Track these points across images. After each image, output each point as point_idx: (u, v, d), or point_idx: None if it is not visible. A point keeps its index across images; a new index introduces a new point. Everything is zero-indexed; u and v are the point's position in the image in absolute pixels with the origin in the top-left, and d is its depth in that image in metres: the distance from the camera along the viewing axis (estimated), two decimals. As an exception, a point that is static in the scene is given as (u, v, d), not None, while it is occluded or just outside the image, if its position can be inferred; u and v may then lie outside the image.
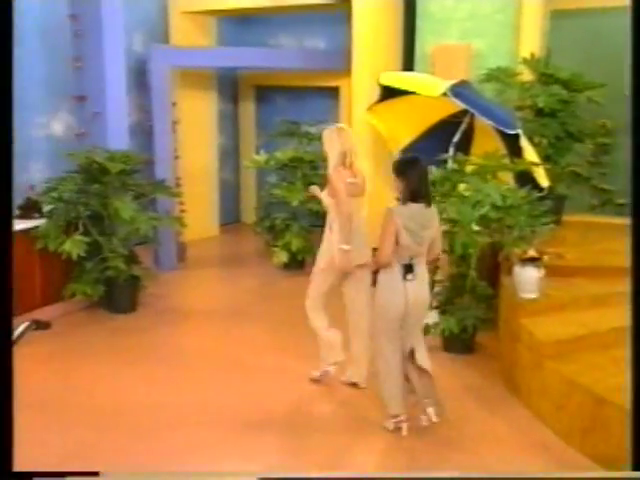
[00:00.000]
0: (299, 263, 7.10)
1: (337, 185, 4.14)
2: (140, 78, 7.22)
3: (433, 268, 5.39)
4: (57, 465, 3.43)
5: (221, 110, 8.87)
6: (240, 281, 6.86)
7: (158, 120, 6.93)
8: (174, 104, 7.24)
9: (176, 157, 7.34)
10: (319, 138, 7.20)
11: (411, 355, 3.83)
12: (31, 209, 5.36)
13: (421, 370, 3.84)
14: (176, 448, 3.67)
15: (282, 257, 6.91)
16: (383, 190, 7.10)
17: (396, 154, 6.11)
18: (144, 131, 7.25)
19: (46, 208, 5.34)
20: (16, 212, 5.33)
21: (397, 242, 3.61)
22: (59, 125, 6.56)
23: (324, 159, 7.15)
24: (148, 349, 5.03)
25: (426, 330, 5.07)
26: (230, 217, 9.32)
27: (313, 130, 7.29)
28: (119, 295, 5.70)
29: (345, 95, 7.97)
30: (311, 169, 7.08)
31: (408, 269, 3.65)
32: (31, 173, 6.29)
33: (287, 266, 7.01)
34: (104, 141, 5.92)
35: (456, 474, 3.28)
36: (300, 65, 7.74)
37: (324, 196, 4.26)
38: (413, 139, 5.96)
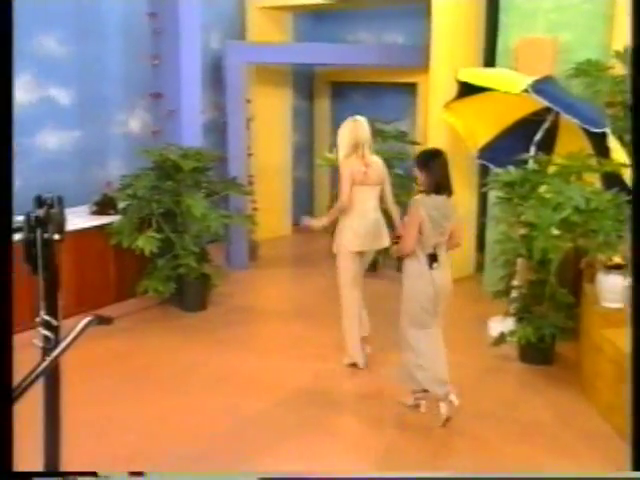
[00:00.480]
0: (371, 265, 7.09)
1: (342, 172, 4.58)
2: (216, 75, 7.43)
3: (511, 273, 5.31)
4: (112, 465, 3.60)
5: (296, 107, 9.01)
6: (311, 282, 6.95)
7: (232, 117, 7.12)
8: (248, 101, 7.42)
9: (249, 154, 7.52)
10: (394, 136, 7.31)
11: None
12: (107, 205, 5.63)
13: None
14: (248, 449, 3.78)
15: (354, 258, 6.93)
16: (460, 190, 7.04)
17: (474, 154, 6.04)
18: (218, 128, 7.47)
19: (121, 205, 5.60)
20: (93, 208, 5.62)
21: (421, 232, 3.85)
22: (136, 122, 6.86)
23: (400, 158, 7.23)
24: (219, 348, 5.19)
25: (501, 338, 5.00)
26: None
27: (388, 128, 7.29)
28: (190, 293, 5.91)
29: (423, 92, 7.93)
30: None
31: (433, 258, 3.91)
32: (109, 170, 6.62)
33: (359, 268, 7.03)
34: (178, 138, 6.15)
35: (456, 474, 3.35)
36: (378, 61, 7.76)
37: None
38: (492, 138, 5.88)
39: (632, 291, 2.37)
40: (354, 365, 4.79)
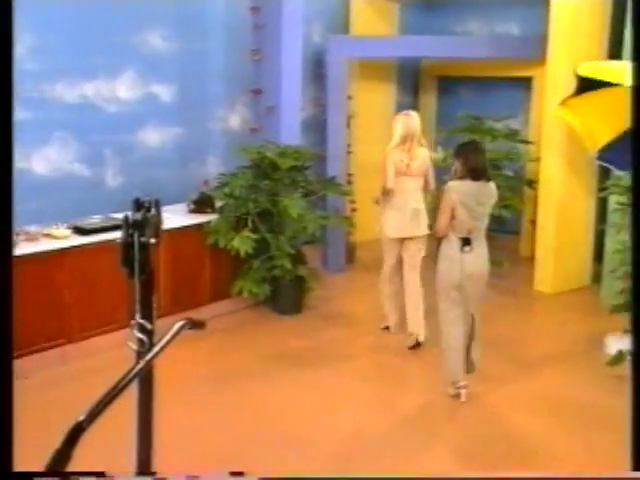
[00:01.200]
0: (497, 263, 7.01)
1: (387, 162, 5.26)
2: (317, 70, 7.53)
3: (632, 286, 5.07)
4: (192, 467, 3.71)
5: (399, 103, 8.96)
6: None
7: (333, 114, 7.20)
8: (350, 97, 7.47)
9: (349, 153, 7.57)
10: (505, 135, 7.14)
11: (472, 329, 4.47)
12: (204, 204, 5.83)
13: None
14: (334, 458, 3.82)
15: (458, 264, 6.85)
16: (577, 193, 6.80)
17: (593, 155, 5.81)
18: (318, 126, 7.56)
19: (218, 203, 5.79)
20: (190, 206, 5.84)
21: (454, 216, 4.27)
22: (236, 119, 7.07)
23: (509, 158, 7.05)
24: (312, 354, 5.26)
25: (619, 357, 4.80)
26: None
27: (499, 126, 7.14)
28: (284, 295, 6.02)
29: (538, 87, 7.70)
30: (493, 169, 6.92)
31: (465, 242, 4.31)
32: (207, 167, 6.86)
33: (463, 274, 6.94)
34: (277, 136, 6.29)
35: (456, 474, 3.46)
36: (490, 54, 7.60)
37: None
38: (614, 137, 5.61)
39: (632, 291, 2.41)
40: (387, 329, 5.65)
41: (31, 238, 4.63)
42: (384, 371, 5.08)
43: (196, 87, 6.68)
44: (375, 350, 5.42)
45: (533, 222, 7.34)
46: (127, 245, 1.82)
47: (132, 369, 1.70)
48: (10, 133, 2.09)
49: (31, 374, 4.56)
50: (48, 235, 4.73)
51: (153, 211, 1.91)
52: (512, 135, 7.17)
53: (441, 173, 8.18)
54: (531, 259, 7.22)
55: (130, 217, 1.82)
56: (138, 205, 1.87)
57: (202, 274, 5.79)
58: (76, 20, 5.61)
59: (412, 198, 5.26)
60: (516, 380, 4.84)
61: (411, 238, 5.36)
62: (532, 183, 7.32)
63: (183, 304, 5.55)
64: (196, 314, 5.70)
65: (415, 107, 9.36)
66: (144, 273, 1.84)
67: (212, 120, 6.89)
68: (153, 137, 6.46)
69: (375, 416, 4.33)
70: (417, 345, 5.31)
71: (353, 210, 7.58)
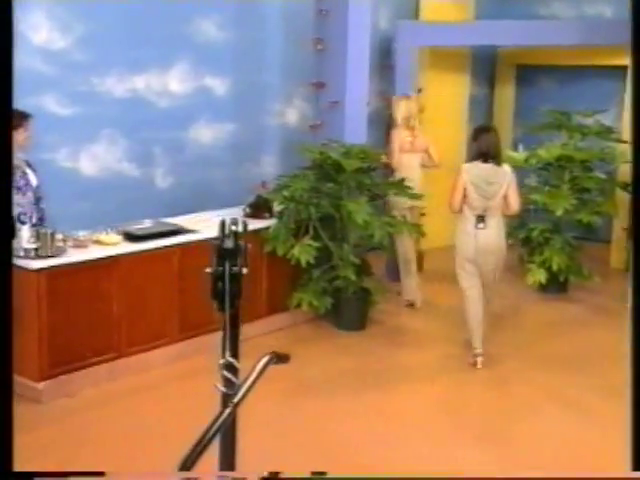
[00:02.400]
0: (560, 285, 6.88)
1: (392, 141, 6.53)
2: (383, 60, 7.47)
3: None
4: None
5: (473, 95, 8.86)
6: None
7: (401, 109, 7.13)
8: (420, 90, 7.39)
9: (418, 152, 7.49)
10: (597, 132, 6.96)
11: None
12: (261, 208, 5.84)
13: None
14: None
15: (539, 276, 6.73)
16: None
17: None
18: (382, 121, 7.50)
19: (276, 207, 5.79)
20: (246, 210, 5.86)
21: (466, 194, 5.13)
22: (293, 114, 7.08)
23: (601, 158, 6.87)
24: (377, 375, 5.21)
25: None
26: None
27: (589, 122, 6.96)
28: (347, 309, 5.99)
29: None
30: (583, 170, 6.77)
31: (480, 219, 5.13)
32: (262, 167, 6.89)
33: (545, 288, 6.84)
34: (340, 133, 6.25)
35: (457, 474, 3.53)
36: (577, 39, 7.40)
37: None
38: None
39: (632, 290, 2.57)
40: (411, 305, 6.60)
41: (80, 245, 4.71)
42: (459, 396, 5.01)
43: (251, 79, 6.72)
44: (450, 372, 5.34)
45: (626, 230, 7.14)
46: (218, 276, 1.81)
47: (221, 414, 1.67)
48: (9, 142, 2.20)
49: (77, 392, 4.63)
50: (97, 242, 4.80)
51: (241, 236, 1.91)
52: (605, 132, 6.98)
53: (521, 176, 8.02)
54: (624, 271, 7.02)
55: (221, 245, 1.81)
56: (224, 229, 1.86)
57: (258, 285, 5.79)
58: (127, 9, 5.70)
59: (416, 172, 6.59)
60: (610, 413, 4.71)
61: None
62: (627, 186, 7.12)
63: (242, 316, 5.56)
64: (251, 329, 5.70)
65: (489, 100, 9.26)
66: (234, 306, 1.83)
67: (268, 115, 6.92)
68: (205, 134, 6.51)
69: (453, 450, 4.26)
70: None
71: (422, 214, 7.49)
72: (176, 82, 6.20)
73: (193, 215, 5.83)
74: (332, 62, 6.38)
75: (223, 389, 1.88)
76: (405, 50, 7.08)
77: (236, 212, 5.97)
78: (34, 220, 4.77)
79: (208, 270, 1.86)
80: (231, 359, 1.86)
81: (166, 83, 6.14)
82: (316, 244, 5.60)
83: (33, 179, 4.94)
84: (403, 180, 6.02)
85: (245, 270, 1.85)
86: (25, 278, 4.39)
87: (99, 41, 5.62)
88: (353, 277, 5.77)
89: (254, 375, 1.85)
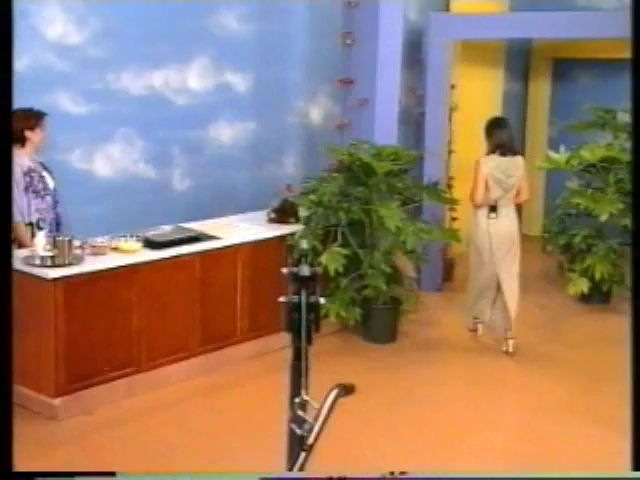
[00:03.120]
0: (604, 295, 6.80)
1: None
2: (413, 55, 7.40)
3: None
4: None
5: (507, 91, 8.79)
6: (523, 313, 6.70)
7: (432, 106, 7.08)
8: (453, 87, 7.34)
9: (450, 152, 7.42)
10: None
11: (499, 289, 5.74)
12: (287, 213, 5.78)
13: (505, 306, 5.72)
14: None
15: (581, 285, 6.64)
16: None
17: None
18: (411, 120, 7.44)
19: (303, 212, 5.73)
20: (271, 215, 5.81)
21: (487, 188, 5.49)
22: (318, 112, 7.03)
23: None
24: (411, 394, 5.14)
25: None
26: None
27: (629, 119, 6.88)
28: (377, 320, 5.93)
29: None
30: (629, 173, 6.68)
31: (492, 209, 5.54)
32: (285, 168, 6.84)
33: (587, 298, 6.75)
34: (370, 134, 6.20)
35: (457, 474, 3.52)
36: (618, 32, 7.24)
37: None
38: None
39: (632, 289, 2.73)
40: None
41: (97, 252, 4.68)
42: (493, 412, 4.96)
43: (274, 76, 6.67)
44: (484, 384, 5.30)
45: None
46: (294, 306, 1.76)
47: (298, 457, 1.62)
48: (9, 144, 2.25)
49: (95, 409, 4.60)
50: (116, 249, 4.78)
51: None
52: (650, 132, 6.89)
53: (559, 178, 7.93)
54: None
55: (297, 273, 1.76)
56: (300, 255, 1.81)
57: (282, 294, 5.74)
58: (142, 2, 5.67)
59: None
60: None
61: None
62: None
63: (262, 329, 5.52)
64: (275, 341, 5.66)
65: (525, 96, 9.18)
66: (311, 340, 1.78)
67: (291, 114, 6.87)
68: (225, 133, 6.48)
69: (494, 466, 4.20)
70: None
71: (453, 219, 7.44)
72: (195, 78, 6.17)
73: (214, 220, 5.80)
74: (361, 57, 6.34)
75: (298, 431, 1.82)
76: (438, 44, 6.98)
77: (260, 217, 5.95)
78: (52, 226, 4.80)
79: (282, 300, 1.81)
80: (306, 397, 1.80)
81: (184, 79, 6.11)
82: (345, 252, 5.55)
83: (50, 182, 4.94)
84: (437, 183, 5.95)
85: (323, 300, 1.79)
86: (41, 288, 4.38)
87: (116, 35, 5.59)
88: (384, 286, 5.71)
89: (324, 412, 1.79)
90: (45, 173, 4.94)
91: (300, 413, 1.83)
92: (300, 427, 1.82)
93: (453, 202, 6.13)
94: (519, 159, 5.67)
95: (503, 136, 5.61)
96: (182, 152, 6.19)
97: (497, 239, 5.60)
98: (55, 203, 4.97)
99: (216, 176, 6.43)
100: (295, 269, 1.83)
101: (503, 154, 5.55)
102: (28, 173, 4.82)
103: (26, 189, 4.78)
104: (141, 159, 5.92)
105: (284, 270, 1.87)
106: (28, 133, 4.80)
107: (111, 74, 5.66)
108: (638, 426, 2.65)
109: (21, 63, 5.14)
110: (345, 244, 5.66)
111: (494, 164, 5.51)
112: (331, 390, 1.89)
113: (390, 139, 6.19)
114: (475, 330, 6.08)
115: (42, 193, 4.85)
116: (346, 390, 1.92)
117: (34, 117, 4.82)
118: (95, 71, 5.57)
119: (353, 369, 5.51)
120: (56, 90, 5.36)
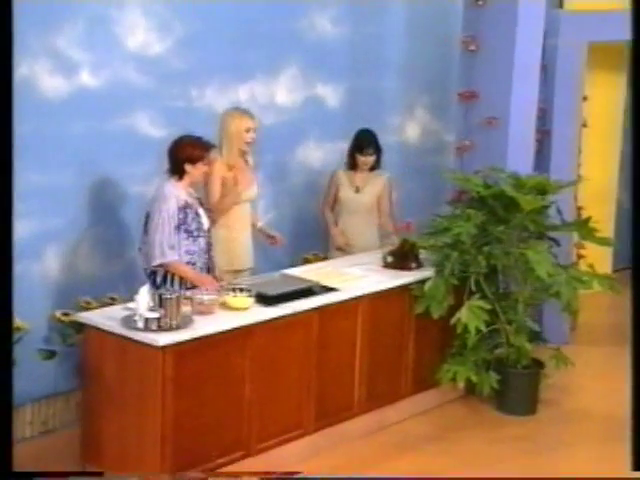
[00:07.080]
0: None
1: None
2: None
3: None
4: None
5: (629, 99, 8.72)
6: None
7: (561, 122, 7.02)
8: (585, 98, 7.27)
9: (579, 176, 7.33)
10: None
11: None
12: (408, 257, 5.67)
13: None
14: None
15: None
16: None
17: None
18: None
19: (431, 256, 5.63)
20: (387, 259, 5.69)
21: None
22: (415, 130, 6.96)
23: None
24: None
25: None
26: (626, 259, 9.07)
27: None
28: (514, 387, 5.81)
29: None
30: None
31: None
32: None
33: None
34: (500, 159, 6.14)
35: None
36: None
37: None
38: None
39: (632, 289, 3.05)
40: None
41: (205, 310, 4.58)
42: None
43: (371, 87, 6.65)
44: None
45: None
46: None
47: None
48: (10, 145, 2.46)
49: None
50: (224, 305, 4.68)
51: None
52: None
53: None
54: None
55: None
56: None
57: (404, 355, 5.64)
58: (233, 3, 5.67)
59: None
60: None
61: None
62: None
63: (380, 398, 5.48)
64: (395, 412, 5.58)
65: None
66: None
67: (387, 132, 6.79)
68: (315, 156, 6.43)
69: None
70: None
71: (579, 257, 7.34)
72: (284, 92, 6.15)
73: (317, 265, 5.75)
74: (490, 67, 6.31)
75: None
76: (569, 48, 6.90)
77: (370, 260, 5.83)
78: (203, 272, 4.92)
79: None
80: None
81: (272, 94, 6.10)
82: (488, 305, 5.44)
83: (205, 222, 4.97)
84: (589, 219, 5.82)
85: None
86: (146, 357, 4.29)
87: (200, 43, 5.58)
88: (528, 346, 5.62)
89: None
90: (201, 211, 4.93)
91: None
92: None
93: (611, 244, 6.01)
94: None
95: None
96: (265, 179, 6.11)
97: None
98: (209, 246, 4.98)
99: (300, 205, 6.38)
100: None
101: None
102: (183, 209, 4.84)
103: (178, 227, 4.79)
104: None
105: None
106: (188, 167, 4.84)
107: (194, 89, 5.62)
108: (638, 426, 2.97)
109: (99, 79, 5.13)
110: (482, 295, 5.57)
111: None
112: None
113: (526, 166, 6.16)
114: None
115: (195, 234, 4.86)
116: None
117: (199, 148, 4.82)
118: (177, 86, 5.52)
119: (484, 449, 5.38)
120: (134, 110, 5.32)
